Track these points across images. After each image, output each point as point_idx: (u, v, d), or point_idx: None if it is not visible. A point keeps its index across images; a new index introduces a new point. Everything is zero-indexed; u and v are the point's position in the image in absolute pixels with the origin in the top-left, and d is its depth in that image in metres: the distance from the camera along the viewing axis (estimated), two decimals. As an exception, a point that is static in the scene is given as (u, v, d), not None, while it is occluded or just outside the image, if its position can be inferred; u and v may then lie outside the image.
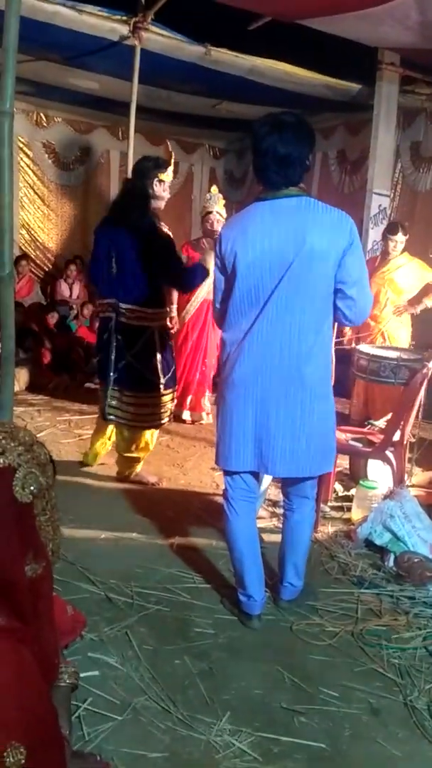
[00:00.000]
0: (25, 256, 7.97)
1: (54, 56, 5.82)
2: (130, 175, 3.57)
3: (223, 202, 4.90)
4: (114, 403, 3.59)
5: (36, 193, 8.43)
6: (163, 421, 3.69)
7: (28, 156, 8.24)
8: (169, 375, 3.64)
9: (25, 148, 8.15)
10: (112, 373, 3.55)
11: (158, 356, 3.54)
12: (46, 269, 8.63)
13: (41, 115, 8.22)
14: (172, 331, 5.11)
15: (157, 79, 5.96)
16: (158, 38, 5.26)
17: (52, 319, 6.99)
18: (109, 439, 3.89)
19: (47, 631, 1.37)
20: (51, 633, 1.41)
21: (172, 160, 3.54)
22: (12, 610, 1.23)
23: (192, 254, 5.00)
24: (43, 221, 8.55)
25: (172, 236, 3.52)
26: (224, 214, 4.78)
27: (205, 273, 3.52)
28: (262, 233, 2.17)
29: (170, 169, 3.52)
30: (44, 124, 8.28)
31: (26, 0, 3.56)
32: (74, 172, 8.60)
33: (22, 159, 8.12)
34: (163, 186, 3.47)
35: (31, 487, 1.36)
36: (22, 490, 1.34)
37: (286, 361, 2.22)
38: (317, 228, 2.14)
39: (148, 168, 3.42)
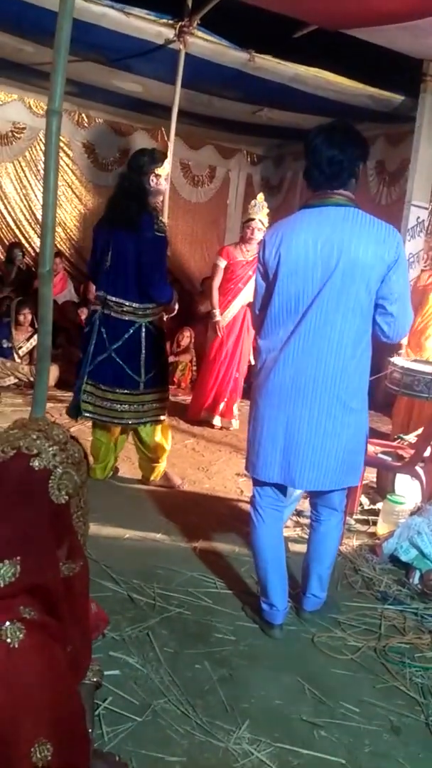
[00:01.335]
0: (59, 253, 8.06)
1: (99, 57, 5.88)
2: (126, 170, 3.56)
3: (267, 211, 4.90)
4: (88, 398, 3.53)
5: (74, 192, 8.54)
6: (142, 420, 3.55)
7: (68, 155, 8.36)
8: (152, 374, 3.53)
9: (65, 148, 8.26)
10: (88, 367, 3.51)
11: (143, 353, 3.48)
12: (81, 268, 8.71)
13: (83, 115, 8.33)
14: (217, 337, 5.06)
15: (199, 83, 5.99)
16: (203, 43, 5.30)
17: (82, 314, 7.06)
18: (115, 443, 3.74)
19: (79, 631, 1.37)
20: (83, 632, 1.41)
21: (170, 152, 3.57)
22: (45, 607, 1.23)
23: (230, 259, 4.98)
24: (79, 220, 8.66)
25: (166, 235, 3.42)
26: (266, 223, 4.81)
27: (172, 297, 3.52)
28: (305, 240, 2.16)
29: (167, 162, 3.53)
30: (85, 124, 8.40)
31: (75, 1, 3.60)
32: (112, 173, 8.65)
33: (62, 158, 8.21)
34: (159, 180, 3.47)
35: (67, 488, 1.36)
36: (58, 491, 1.34)
37: (321, 374, 2.19)
38: (363, 240, 2.12)
39: (144, 163, 3.42)
